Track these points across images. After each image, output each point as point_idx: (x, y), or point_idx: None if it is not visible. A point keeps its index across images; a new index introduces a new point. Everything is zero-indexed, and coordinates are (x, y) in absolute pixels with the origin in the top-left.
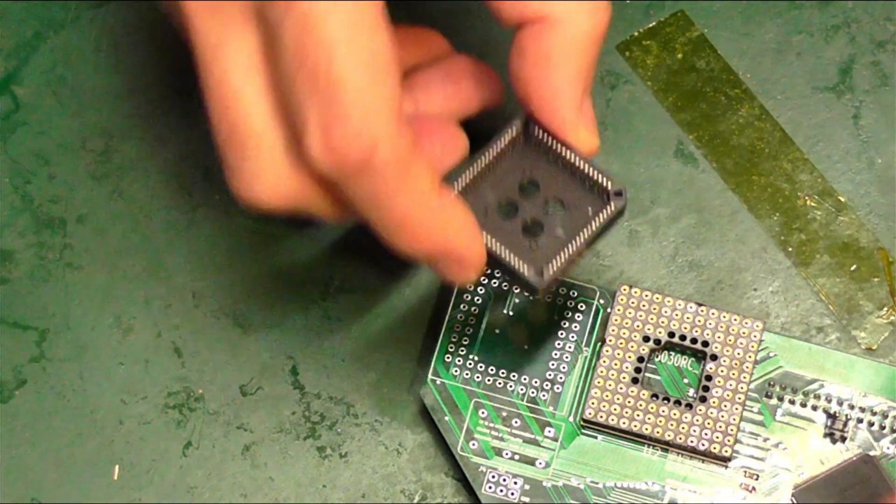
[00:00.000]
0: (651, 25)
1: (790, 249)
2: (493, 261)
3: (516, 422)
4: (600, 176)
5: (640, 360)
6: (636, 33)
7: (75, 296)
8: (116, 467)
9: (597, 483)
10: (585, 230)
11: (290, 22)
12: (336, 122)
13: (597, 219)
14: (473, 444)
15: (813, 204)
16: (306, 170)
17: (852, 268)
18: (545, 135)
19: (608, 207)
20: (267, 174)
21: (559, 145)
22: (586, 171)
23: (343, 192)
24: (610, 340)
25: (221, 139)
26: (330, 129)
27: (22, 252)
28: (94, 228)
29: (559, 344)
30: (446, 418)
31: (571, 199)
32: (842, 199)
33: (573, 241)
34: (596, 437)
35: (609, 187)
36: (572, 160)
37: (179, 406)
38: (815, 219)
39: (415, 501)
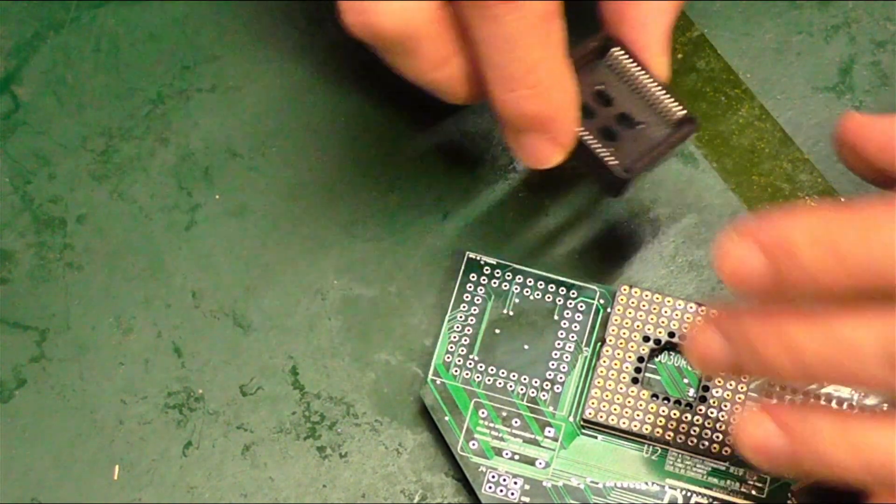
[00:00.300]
0: None
1: None
2: (580, 150)
3: (516, 422)
4: (672, 102)
5: (640, 360)
6: None
7: (75, 296)
8: (116, 467)
9: (597, 483)
10: (662, 145)
11: None
12: None
13: (673, 137)
14: (473, 444)
15: (813, 204)
16: (434, 5)
17: None
18: (622, 58)
19: (682, 130)
20: None
21: (635, 69)
22: (660, 95)
23: (479, 30)
24: (610, 340)
25: None
26: None
27: (22, 252)
28: (94, 228)
29: (559, 344)
30: (446, 418)
31: (641, 118)
32: (842, 200)
33: (653, 150)
34: (596, 437)
35: (681, 114)
36: (647, 84)
37: (179, 406)
38: None
39: (415, 501)
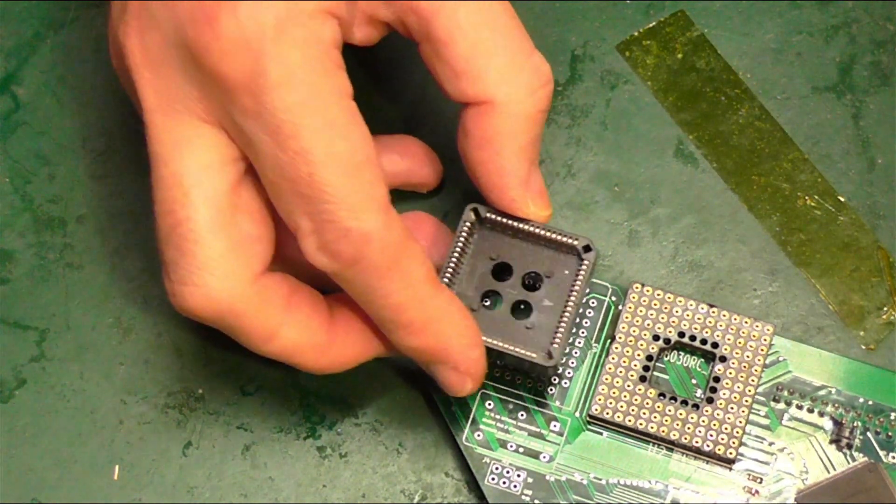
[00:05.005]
0: (651, 25)
1: (790, 249)
2: (498, 355)
3: (522, 415)
4: (565, 237)
5: (649, 358)
6: (636, 33)
7: (75, 296)
8: (116, 467)
9: (600, 479)
10: (572, 295)
11: (265, 137)
12: (326, 225)
13: (578, 280)
14: (478, 436)
15: (813, 204)
16: (246, 281)
17: (852, 268)
18: (498, 214)
19: (583, 265)
20: (200, 276)
21: (514, 220)
22: (549, 236)
23: (341, 284)
24: (620, 338)
25: (162, 236)
26: (321, 232)
27: (22, 252)
28: (94, 228)
29: (569, 339)
30: (452, 408)
31: (545, 267)
32: (842, 199)
33: (566, 310)
34: (601, 434)
35: (577, 244)
36: (532, 230)
37: (179, 406)
38: (815, 219)
39: (415, 501)
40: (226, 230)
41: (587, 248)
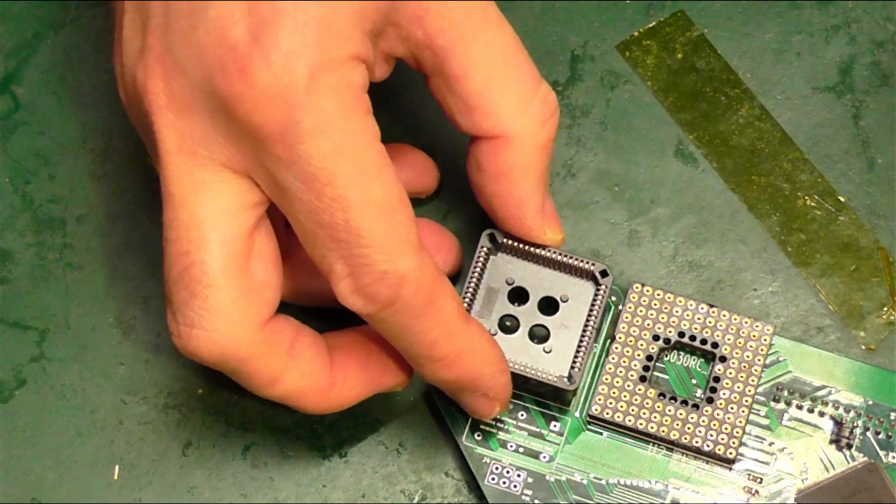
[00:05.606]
0: (651, 25)
1: (790, 249)
2: (519, 381)
3: (522, 415)
4: (581, 262)
5: (649, 358)
6: (636, 33)
7: (75, 296)
8: (116, 467)
9: (600, 479)
10: (590, 319)
11: (300, 185)
12: (361, 269)
13: (595, 305)
14: (478, 435)
15: (813, 204)
16: (255, 327)
17: (852, 268)
18: (514, 240)
19: (600, 289)
20: (210, 320)
21: (530, 245)
22: (565, 261)
23: (376, 326)
24: (620, 338)
25: (172, 276)
26: (357, 276)
27: (22, 252)
28: (94, 228)
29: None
30: (452, 408)
31: (561, 291)
32: (842, 199)
33: (584, 334)
34: (601, 434)
35: (593, 269)
36: (549, 255)
37: (179, 406)
38: (815, 219)
39: (415, 501)
40: (240, 276)
41: (604, 273)
